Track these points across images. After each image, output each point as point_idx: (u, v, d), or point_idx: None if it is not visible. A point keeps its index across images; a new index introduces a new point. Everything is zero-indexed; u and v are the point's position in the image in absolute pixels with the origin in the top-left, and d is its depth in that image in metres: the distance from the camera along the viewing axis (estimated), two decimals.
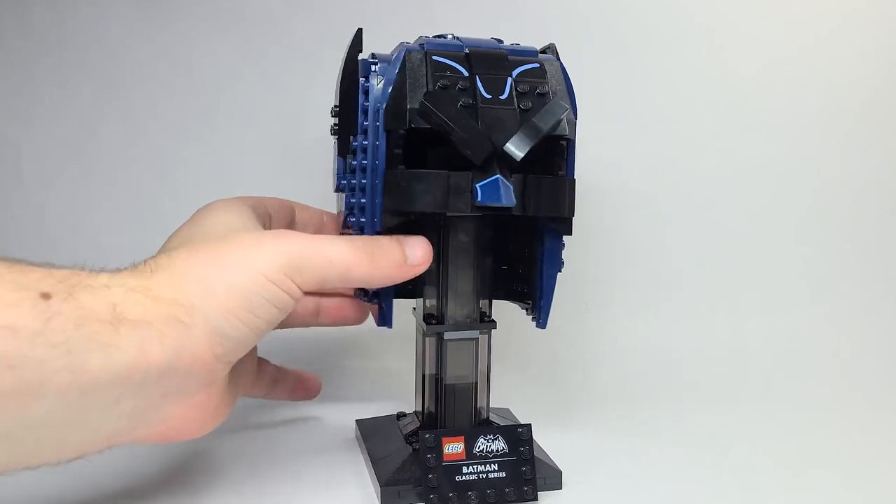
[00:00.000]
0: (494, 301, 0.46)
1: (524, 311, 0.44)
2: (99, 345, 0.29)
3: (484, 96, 0.38)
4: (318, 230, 0.47)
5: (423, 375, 0.44)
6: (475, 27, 0.47)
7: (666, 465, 0.45)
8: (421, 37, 0.41)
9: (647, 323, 0.64)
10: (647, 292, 0.65)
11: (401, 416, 0.48)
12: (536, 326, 0.42)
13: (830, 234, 0.65)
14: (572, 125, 0.39)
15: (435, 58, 0.39)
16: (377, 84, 0.39)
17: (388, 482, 0.39)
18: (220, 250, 0.35)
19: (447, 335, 0.42)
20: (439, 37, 0.41)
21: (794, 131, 0.65)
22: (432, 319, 0.43)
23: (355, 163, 0.40)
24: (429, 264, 0.38)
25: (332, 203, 0.46)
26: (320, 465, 0.44)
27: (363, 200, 0.39)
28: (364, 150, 0.39)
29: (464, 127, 0.36)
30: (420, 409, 0.46)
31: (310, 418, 0.52)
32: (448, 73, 0.38)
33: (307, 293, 0.36)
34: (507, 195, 0.37)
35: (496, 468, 0.39)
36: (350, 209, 0.40)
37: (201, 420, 0.35)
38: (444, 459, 0.38)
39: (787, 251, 0.65)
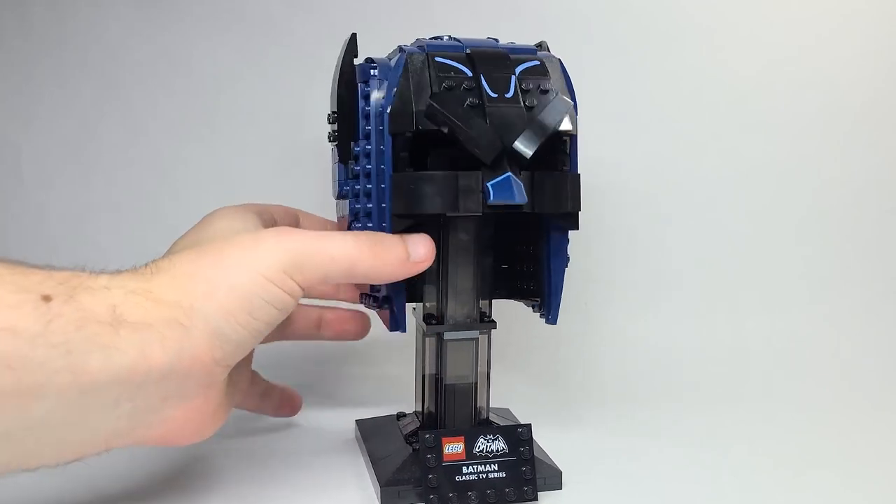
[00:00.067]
0: (494, 301, 0.46)
1: (531, 308, 0.44)
2: (99, 346, 0.29)
3: (490, 95, 0.38)
4: None
5: (423, 375, 0.44)
6: (475, 27, 0.47)
7: (666, 465, 0.45)
8: (418, 39, 0.41)
9: (647, 323, 0.64)
10: (647, 292, 0.65)
11: (401, 416, 0.48)
12: (546, 322, 0.42)
13: (830, 234, 0.65)
14: (575, 120, 0.40)
15: (438, 59, 0.39)
16: (378, 87, 0.39)
17: (388, 482, 0.39)
18: (221, 251, 0.35)
19: (447, 335, 0.42)
20: (436, 38, 0.41)
21: (794, 131, 0.65)
22: (432, 319, 0.43)
23: (358, 168, 0.40)
24: (432, 261, 0.38)
25: (330, 204, 0.46)
26: (320, 466, 0.44)
27: (369, 206, 0.39)
28: (367, 155, 0.39)
29: (472, 126, 0.36)
30: (420, 409, 0.46)
31: (309, 418, 0.52)
32: (452, 74, 0.38)
33: (310, 291, 0.36)
34: (520, 193, 0.37)
35: (496, 468, 0.39)
36: (355, 215, 0.40)
37: (200, 423, 0.35)
38: (444, 459, 0.38)
39: (787, 251, 0.65)
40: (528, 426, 0.40)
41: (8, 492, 0.38)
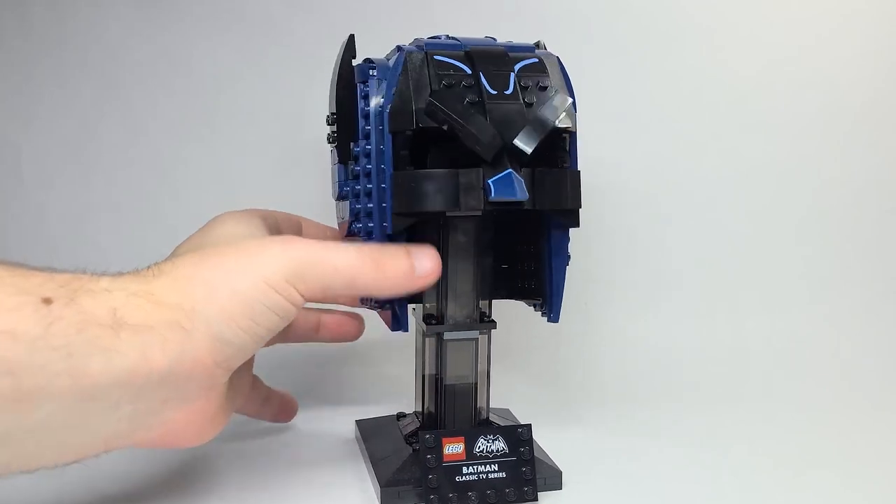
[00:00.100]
0: (494, 301, 0.46)
1: (532, 307, 0.44)
2: (100, 349, 0.29)
3: (490, 92, 0.38)
4: None
5: (423, 376, 0.44)
6: (474, 28, 0.47)
7: (666, 465, 0.45)
8: (416, 39, 0.41)
9: (647, 323, 0.64)
10: (647, 292, 0.65)
11: (401, 416, 0.48)
12: (548, 321, 0.42)
13: (830, 234, 0.65)
14: (574, 117, 0.40)
15: (437, 57, 0.39)
16: (377, 87, 0.39)
17: (388, 483, 0.39)
18: (225, 255, 0.35)
19: (447, 335, 0.42)
20: (434, 37, 0.41)
21: (794, 131, 0.65)
22: (432, 320, 0.43)
23: (358, 168, 0.40)
24: (437, 276, 0.37)
25: (330, 204, 0.46)
26: (320, 466, 0.44)
27: (369, 205, 0.39)
28: (367, 155, 0.39)
29: (473, 123, 0.36)
30: (420, 409, 0.46)
31: (310, 419, 0.52)
32: (451, 72, 0.38)
33: (312, 300, 0.36)
34: (521, 189, 0.37)
35: (496, 468, 0.39)
36: (356, 215, 0.40)
37: (200, 426, 0.35)
38: (445, 460, 0.38)
39: (787, 251, 0.65)
40: (529, 426, 0.40)
41: (7, 492, 0.38)
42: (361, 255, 0.36)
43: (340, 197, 0.42)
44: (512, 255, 0.45)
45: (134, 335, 0.30)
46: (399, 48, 0.40)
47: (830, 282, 0.65)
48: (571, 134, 0.40)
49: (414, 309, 0.45)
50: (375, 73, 0.40)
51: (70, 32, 0.67)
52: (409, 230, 0.38)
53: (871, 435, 0.50)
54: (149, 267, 0.34)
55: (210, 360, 0.33)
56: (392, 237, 0.38)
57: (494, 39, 0.42)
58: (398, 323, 0.40)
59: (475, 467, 0.38)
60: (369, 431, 0.46)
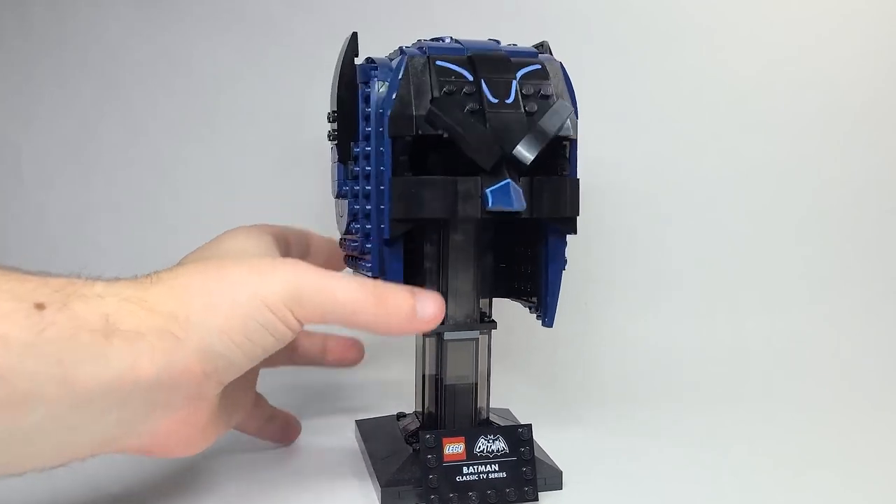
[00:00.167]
0: (494, 301, 0.46)
1: (527, 309, 0.44)
2: (90, 356, 0.29)
3: (490, 101, 0.38)
4: (329, 256, 0.47)
5: (424, 376, 0.44)
6: (475, 28, 0.47)
7: (666, 465, 0.45)
8: (419, 40, 0.41)
9: (647, 323, 0.64)
10: (647, 292, 0.65)
11: (401, 416, 0.48)
12: (542, 325, 0.42)
13: (830, 234, 0.65)
14: (575, 125, 0.40)
15: (438, 62, 0.39)
16: (378, 89, 0.39)
17: (388, 483, 0.39)
18: (227, 269, 0.35)
19: (447, 335, 0.42)
20: (436, 39, 0.41)
21: (794, 131, 0.65)
22: None
23: (357, 169, 0.40)
24: (439, 321, 0.37)
25: (330, 203, 0.46)
26: (320, 466, 0.44)
27: (368, 207, 0.39)
28: (367, 157, 0.39)
29: (472, 132, 0.36)
30: (420, 409, 0.46)
31: (310, 419, 0.52)
32: (453, 78, 0.38)
33: (312, 324, 0.35)
34: (518, 199, 0.37)
35: (496, 468, 0.39)
36: (353, 216, 0.40)
37: (187, 436, 0.35)
38: (445, 460, 0.38)
39: (787, 251, 0.65)
40: (529, 426, 0.40)
41: (5, 493, 0.38)
42: (364, 289, 0.35)
43: (339, 195, 0.42)
44: (511, 255, 0.45)
45: (124, 342, 0.30)
46: (402, 51, 0.40)
47: (830, 282, 0.65)
48: (572, 142, 0.40)
49: None
50: (377, 74, 0.39)
51: (70, 32, 0.67)
52: (407, 231, 0.38)
53: (871, 435, 0.50)
54: (148, 274, 0.34)
55: (199, 371, 0.32)
56: (389, 241, 0.38)
57: (498, 42, 0.42)
58: None
59: (475, 467, 0.38)
60: (369, 431, 0.46)
